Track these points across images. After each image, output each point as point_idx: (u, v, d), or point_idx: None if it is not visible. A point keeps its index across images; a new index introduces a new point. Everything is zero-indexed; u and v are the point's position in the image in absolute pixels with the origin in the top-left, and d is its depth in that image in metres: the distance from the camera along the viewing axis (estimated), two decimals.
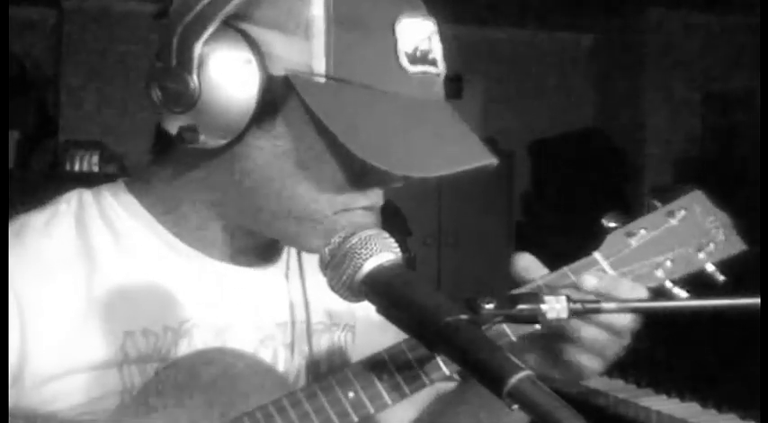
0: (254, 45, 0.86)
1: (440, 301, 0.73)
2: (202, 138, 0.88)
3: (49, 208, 0.97)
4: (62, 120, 6.18)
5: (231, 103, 0.87)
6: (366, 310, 0.78)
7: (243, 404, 0.89)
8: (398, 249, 0.79)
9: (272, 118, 0.89)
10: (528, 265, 0.94)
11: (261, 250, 1.02)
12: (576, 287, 0.91)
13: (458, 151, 0.89)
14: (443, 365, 0.89)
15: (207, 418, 0.89)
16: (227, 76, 0.86)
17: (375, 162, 0.84)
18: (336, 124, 0.85)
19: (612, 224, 0.98)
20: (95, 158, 5.81)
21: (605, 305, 0.83)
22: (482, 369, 0.66)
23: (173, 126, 0.89)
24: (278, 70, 0.87)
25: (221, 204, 0.96)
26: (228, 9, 0.85)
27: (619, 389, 2.48)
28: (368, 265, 0.76)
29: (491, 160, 0.89)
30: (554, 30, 6.93)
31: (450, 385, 1.09)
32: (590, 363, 0.92)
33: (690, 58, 6.32)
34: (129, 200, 0.98)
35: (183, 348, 0.93)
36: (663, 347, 2.50)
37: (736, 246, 1.01)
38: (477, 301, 0.74)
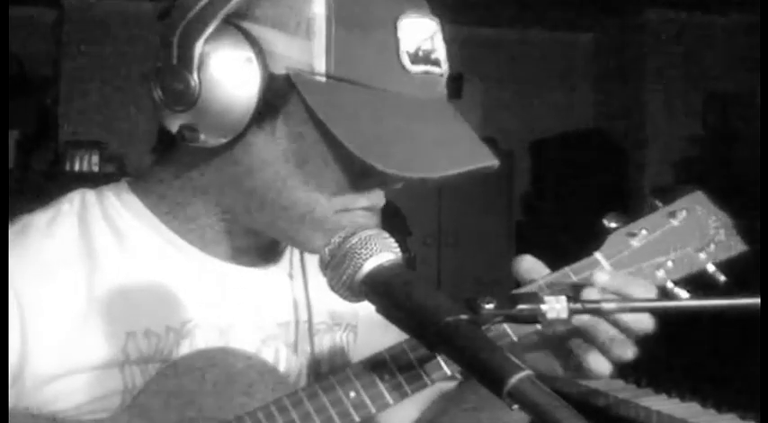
0: (254, 43, 0.86)
1: (440, 301, 0.73)
2: (203, 137, 0.88)
3: (51, 208, 0.97)
4: (62, 120, 6.17)
5: (232, 102, 0.86)
6: (368, 309, 0.78)
7: (244, 404, 0.89)
8: (398, 249, 0.79)
9: (273, 117, 0.88)
10: (531, 267, 0.93)
11: (263, 250, 1.01)
12: (582, 285, 0.90)
13: (459, 152, 0.89)
14: (444, 365, 0.89)
15: (208, 418, 0.89)
16: (228, 74, 0.86)
17: (375, 163, 0.84)
18: (337, 124, 0.85)
19: (613, 224, 0.97)
20: (95, 158, 5.83)
21: (605, 305, 0.82)
22: (482, 369, 0.66)
23: (173, 125, 0.89)
24: (279, 69, 0.86)
25: (223, 204, 0.95)
26: (229, 7, 0.85)
27: (619, 389, 2.48)
28: (368, 265, 0.76)
29: (493, 162, 0.89)
30: (554, 30, 6.93)
31: (452, 384, 1.09)
32: (600, 364, 0.91)
33: (690, 58, 6.31)
34: (132, 200, 0.98)
35: (185, 349, 0.93)
36: (663, 347, 2.50)
37: (737, 246, 1.01)
38: (477, 301, 0.74)
